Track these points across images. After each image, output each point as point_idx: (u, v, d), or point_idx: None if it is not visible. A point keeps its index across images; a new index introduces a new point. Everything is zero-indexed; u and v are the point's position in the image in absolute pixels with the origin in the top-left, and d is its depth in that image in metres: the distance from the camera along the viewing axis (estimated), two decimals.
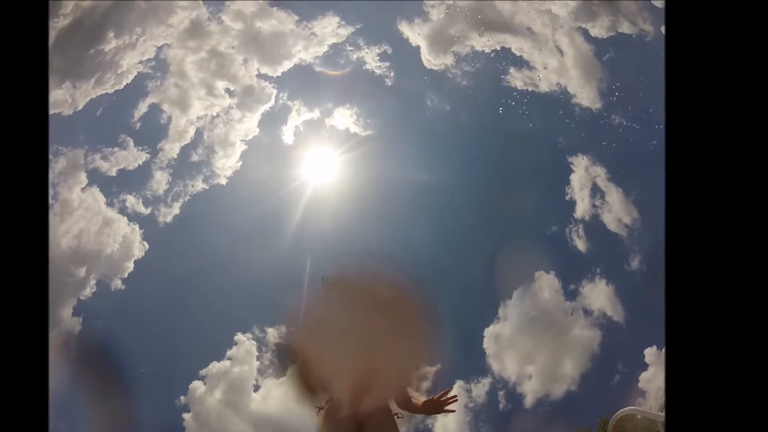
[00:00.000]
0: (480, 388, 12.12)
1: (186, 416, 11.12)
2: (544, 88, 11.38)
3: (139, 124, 10.57)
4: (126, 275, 10.43)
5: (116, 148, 10.37)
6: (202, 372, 11.59)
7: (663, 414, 6.17)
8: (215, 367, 11.76)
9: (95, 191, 10.02)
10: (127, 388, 10.49)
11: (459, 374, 12.70)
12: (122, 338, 10.97)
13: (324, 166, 13.22)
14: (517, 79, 11.51)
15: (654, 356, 11.52)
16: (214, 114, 11.38)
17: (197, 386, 11.52)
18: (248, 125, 11.68)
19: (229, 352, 11.91)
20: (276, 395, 12.30)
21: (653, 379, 11.30)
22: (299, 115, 12.32)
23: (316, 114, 12.56)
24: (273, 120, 12.27)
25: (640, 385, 11.54)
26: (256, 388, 11.81)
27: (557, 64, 11.07)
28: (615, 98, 10.69)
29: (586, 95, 11.05)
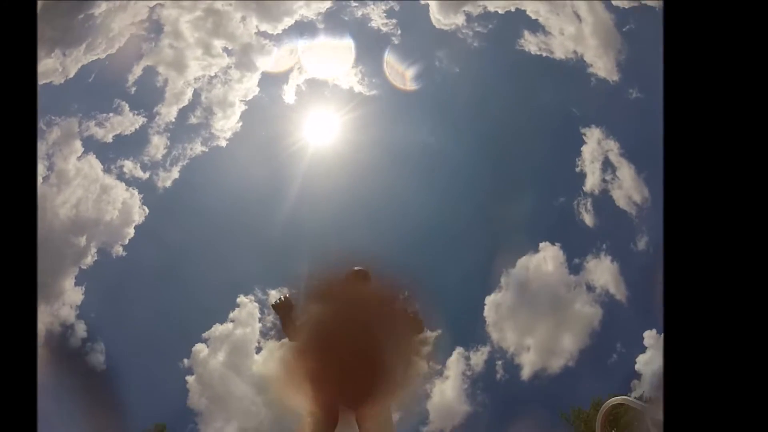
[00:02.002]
0: (479, 357, 12.28)
1: (189, 379, 11.46)
2: (559, 54, 10.76)
3: (134, 89, 10.24)
4: (127, 241, 10.45)
5: (111, 114, 10.12)
6: (205, 335, 11.82)
7: (649, 405, 6.21)
8: (218, 329, 11.97)
9: (91, 158, 9.85)
10: (130, 353, 10.79)
11: (459, 341, 12.85)
12: (125, 304, 11.17)
13: (327, 126, 12.84)
14: (531, 44, 10.86)
15: (653, 339, 11.48)
16: (212, 74, 10.96)
17: (200, 349, 11.79)
18: (248, 85, 11.26)
19: (231, 315, 12.08)
20: (277, 357, 12.50)
21: (650, 362, 11.32)
22: (301, 74, 11.84)
23: (318, 73, 12.05)
24: (273, 79, 11.81)
25: (636, 367, 11.61)
26: (258, 350, 12.07)
27: (574, 31, 10.40)
28: (633, 71, 10.10)
29: (603, 66, 10.46)
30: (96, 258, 10.03)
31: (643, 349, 11.73)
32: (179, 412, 11.26)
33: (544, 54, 10.95)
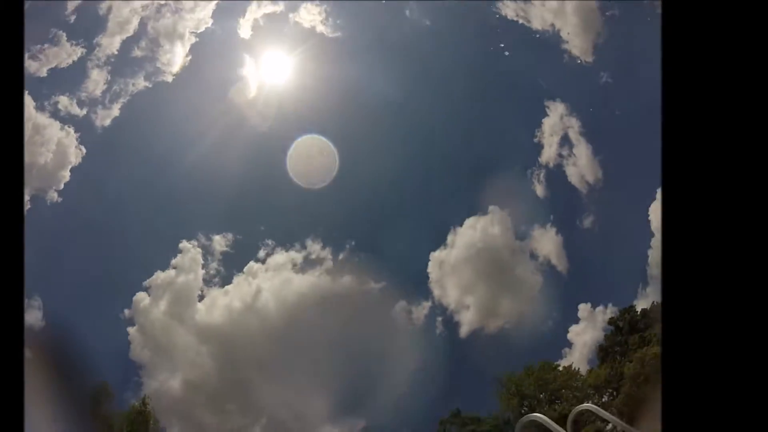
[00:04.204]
0: (420, 311, 12.70)
1: (131, 330, 11.00)
2: (536, 24, 10.50)
3: (73, 17, 9.10)
4: (62, 186, 9.68)
5: (47, 45, 8.99)
6: (146, 283, 11.25)
7: (619, 420, 6.80)
8: (159, 276, 11.39)
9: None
10: (68, 306, 10.11)
11: (402, 294, 13.13)
12: (61, 253, 10.34)
13: (282, 65, 11.91)
14: (509, 8, 10.49)
15: (587, 312, 12.34)
16: (162, 2, 9.91)
17: (141, 298, 11.22)
18: (200, 15, 10.28)
19: (173, 261, 11.56)
20: (221, 305, 12.34)
21: (582, 333, 12.23)
22: (260, 8, 10.89)
23: (279, 7, 11.14)
24: (229, 11, 10.77)
25: (569, 336, 12.51)
26: (201, 297, 11.74)
27: (556, 5, 10.13)
28: (608, 56, 10.10)
29: (579, 44, 10.34)
30: (29, 206, 9.18)
31: (577, 321, 12.67)
32: (121, 365, 10.96)
33: (521, 21, 10.71)
